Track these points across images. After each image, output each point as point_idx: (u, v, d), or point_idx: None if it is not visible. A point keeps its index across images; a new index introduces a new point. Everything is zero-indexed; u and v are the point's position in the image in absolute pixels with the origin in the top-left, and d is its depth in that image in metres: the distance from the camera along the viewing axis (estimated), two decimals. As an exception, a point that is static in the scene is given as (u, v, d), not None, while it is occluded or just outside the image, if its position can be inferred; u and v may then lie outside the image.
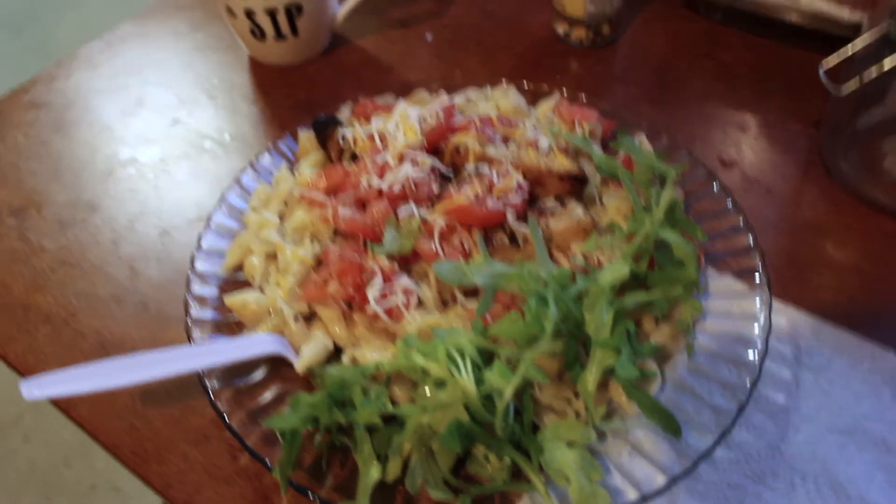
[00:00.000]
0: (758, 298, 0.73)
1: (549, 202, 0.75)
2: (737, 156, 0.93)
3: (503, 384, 0.60)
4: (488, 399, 0.61)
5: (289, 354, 0.71)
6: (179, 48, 1.15)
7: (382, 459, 0.63)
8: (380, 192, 0.76)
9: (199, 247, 0.79)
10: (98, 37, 1.17)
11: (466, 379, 0.60)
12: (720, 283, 0.77)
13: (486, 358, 0.64)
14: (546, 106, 0.91)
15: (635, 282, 0.69)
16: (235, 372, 0.70)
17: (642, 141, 0.88)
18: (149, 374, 0.65)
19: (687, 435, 0.65)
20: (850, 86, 0.82)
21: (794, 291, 0.79)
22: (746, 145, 0.94)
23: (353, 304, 0.70)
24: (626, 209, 0.78)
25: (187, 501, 0.66)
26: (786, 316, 0.77)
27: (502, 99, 0.90)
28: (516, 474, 0.63)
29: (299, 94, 1.04)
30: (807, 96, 0.99)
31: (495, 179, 0.74)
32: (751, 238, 0.78)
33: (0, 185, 0.95)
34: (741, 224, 0.79)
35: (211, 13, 1.20)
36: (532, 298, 0.63)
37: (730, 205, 0.81)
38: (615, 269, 0.64)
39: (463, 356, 0.62)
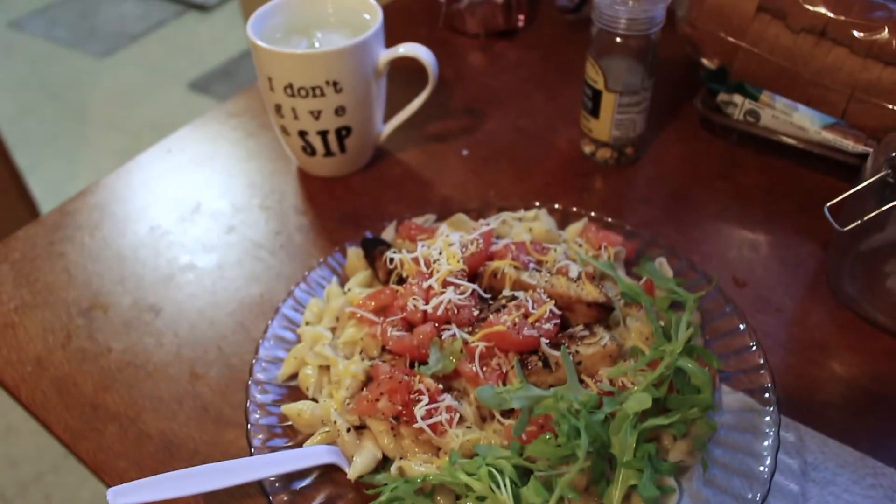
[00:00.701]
0: (768, 416, 0.80)
1: (579, 329, 0.83)
2: (749, 276, 1.01)
3: (538, 500, 0.67)
4: (524, 514, 0.68)
5: (342, 463, 0.78)
6: (233, 155, 1.25)
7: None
8: (424, 315, 0.84)
9: (257, 356, 0.87)
10: (157, 143, 1.27)
11: (506, 496, 0.67)
12: (733, 400, 0.84)
13: (522, 473, 0.71)
14: (574, 229, 0.99)
15: (656, 404, 0.77)
16: (291, 476, 0.77)
17: (662, 264, 0.96)
18: (220, 483, 0.72)
19: (705, 552, 0.71)
20: (852, 221, 0.90)
21: (802, 408, 0.85)
22: (759, 265, 1.02)
23: (401, 418, 0.78)
24: (648, 332, 0.86)
25: None
26: (794, 431, 0.83)
27: (534, 223, 0.99)
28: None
29: (345, 206, 1.13)
30: (816, 217, 1.06)
31: (530, 307, 0.82)
32: (761, 358, 0.85)
33: (69, 286, 1.04)
34: (753, 345, 0.86)
35: (262, 122, 1.31)
36: (564, 424, 0.70)
37: (742, 327, 0.88)
38: (639, 400, 0.71)
39: (502, 474, 0.69)
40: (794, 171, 1.16)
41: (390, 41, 1.12)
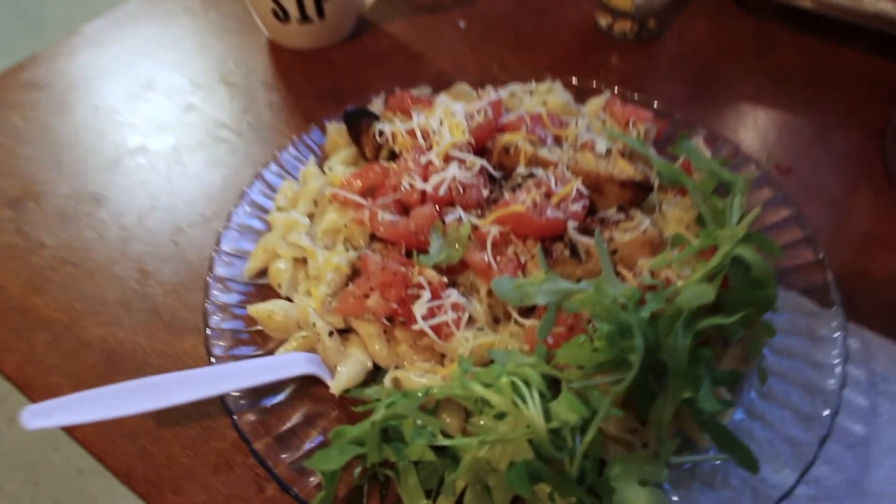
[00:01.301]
0: (832, 319, 0.67)
1: (612, 213, 0.68)
2: (794, 162, 0.87)
3: (574, 417, 0.53)
4: (555, 433, 0.54)
5: (323, 374, 0.64)
6: (193, 28, 1.06)
7: (430, 495, 0.56)
8: (423, 195, 0.69)
9: (218, 248, 0.72)
10: (104, 14, 1.08)
11: (534, 412, 0.53)
12: (788, 300, 0.71)
13: (549, 385, 0.57)
14: (596, 104, 0.84)
15: (709, 308, 0.63)
16: (261, 391, 0.63)
17: (700, 146, 0.81)
18: (168, 400, 0.58)
19: (761, 468, 0.58)
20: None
21: (864, 311, 0.73)
22: (803, 151, 0.88)
23: (396, 319, 0.63)
24: (689, 220, 0.72)
25: (208, 537, 0.59)
26: (859, 338, 0.71)
27: (549, 96, 0.83)
28: (581, 514, 0.56)
29: (324, 81, 0.96)
30: (865, 100, 0.93)
31: (553, 185, 0.67)
32: (818, 252, 0.72)
33: (-4, 173, 0.87)
34: (806, 237, 0.73)
35: (226, -8, 1.12)
36: (604, 322, 0.56)
37: (793, 215, 0.75)
38: (698, 293, 0.57)
39: (528, 385, 0.55)
40: (837, 50, 1.00)
41: None
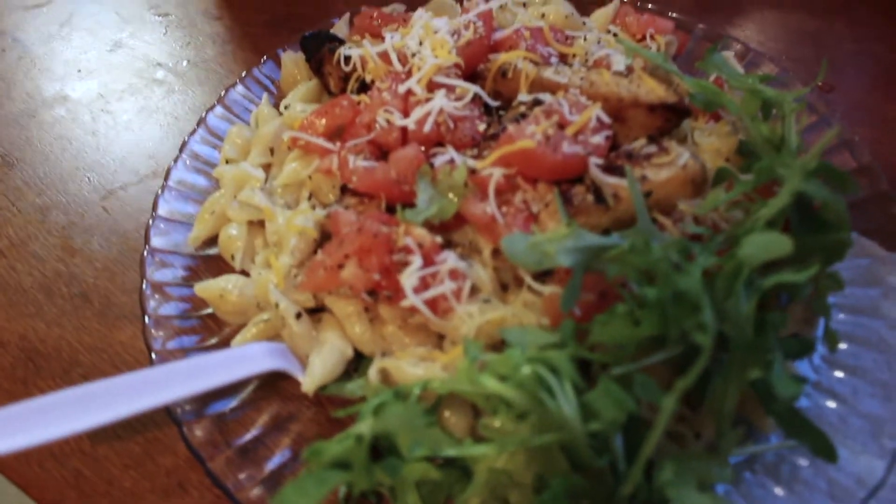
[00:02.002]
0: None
1: (640, 144, 0.55)
2: (836, 79, 0.74)
3: (619, 415, 0.41)
4: (593, 437, 0.42)
5: (292, 370, 0.51)
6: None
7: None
8: (404, 133, 0.55)
9: (155, 214, 0.58)
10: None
11: (568, 410, 0.41)
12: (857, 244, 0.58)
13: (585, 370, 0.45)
14: (604, 15, 0.71)
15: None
16: (214, 392, 0.50)
17: (731, 61, 0.68)
18: (103, 416, 0.45)
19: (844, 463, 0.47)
20: None
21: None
22: (845, 65, 0.76)
23: (379, 293, 0.50)
24: (727, 150, 0.59)
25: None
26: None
27: (547, 7, 0.69)
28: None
29: (276, 6, 0.82)
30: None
31: (567, 113, 0.53)
32: (881, 184, 0.60)
33: None
34: (866, 166, 0.62)
35: None
36: (649, 288, 0.43)
37: (848, 143, 0.63)
38: (770, 243, 0.44)
39: (558, 375, 0.42)
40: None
41: None
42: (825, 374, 0.54)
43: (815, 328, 0.55)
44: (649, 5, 0.71)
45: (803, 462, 0.50)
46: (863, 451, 0.50)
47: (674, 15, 0.71)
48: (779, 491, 0.49)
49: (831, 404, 0.53)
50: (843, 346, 0.55)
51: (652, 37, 0.67)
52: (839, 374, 0.54)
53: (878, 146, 0.68)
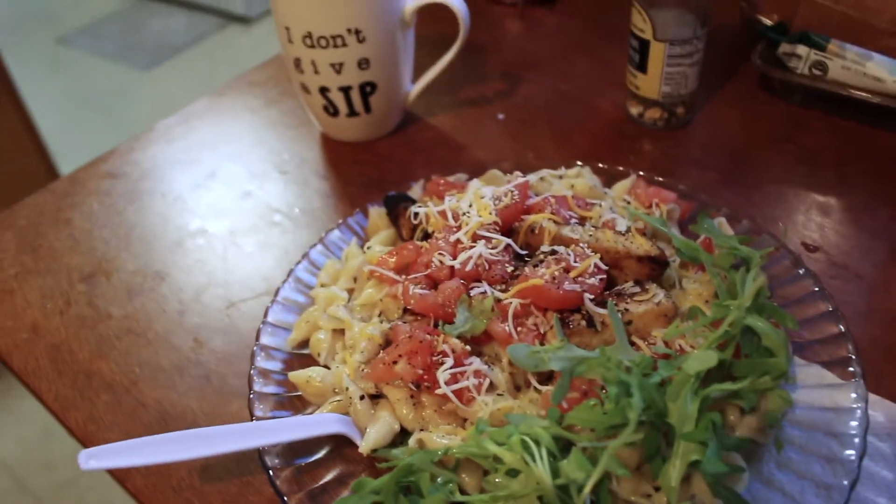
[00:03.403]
0: (853, 391, 0.68)
1: (629, 286, 0.72)
2: (821, 240, 0.89)
3: (581, 475, 0.56)
4: (564, 491, 0.57)
5: (353, 435, 0.68)
6: (253, 123, 1.17)
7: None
8: (451, 271, 0.74)
9: (265, 320, 0.78)
10: (175, 112, 1.20)
11: (542, 469, 0.56)
12: (809, 374, 0.72)
13: (562, 447, 0.60)
14: (622, 187, 0.89)
15: (720, 371, 0.65)
16: (297, 450, 0.67)
17: (722, 224, 0.84)
18: (209, 450, 0.63)
19: (781, 541, 0.59)
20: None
21: (891, 385, 0.73)
22: (831, 230, 0.90)
23: (422, 384, 0.68)
24: (708, 294, 0.74)
25: (241, 588, 0.63)
26: (883, 411, 0.71)
27: (577, 180, 0.88)
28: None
29: (371, 171, 1.04)
30: (893, 180, 0.95)
31: (572, 261, 0.71)
32: (841, 326, 0.73)
33: (73, 252, 0.96)
34: (829, 310, 0.75)
35: (284, 90, 1.23)
36: (612, 386, 0.59)
37: (817, 290, 0.77)
38: (703, 358, 0.60)
39: (538, 445, 0.58)
40: (867, 131, 1.04)
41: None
42: (778, 476, 0.66)
43: (770, 438, 0.68)
44: (660, 178, 0.89)
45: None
46: None
47: (680, 187, 0.88)
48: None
49: (781, 499, 0.64)
50: (797, 454, 0.67)
51: (657, 205, 0.84)
52: (790, 475, 0.66)
53: (849, 297, 0.81)
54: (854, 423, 0.66)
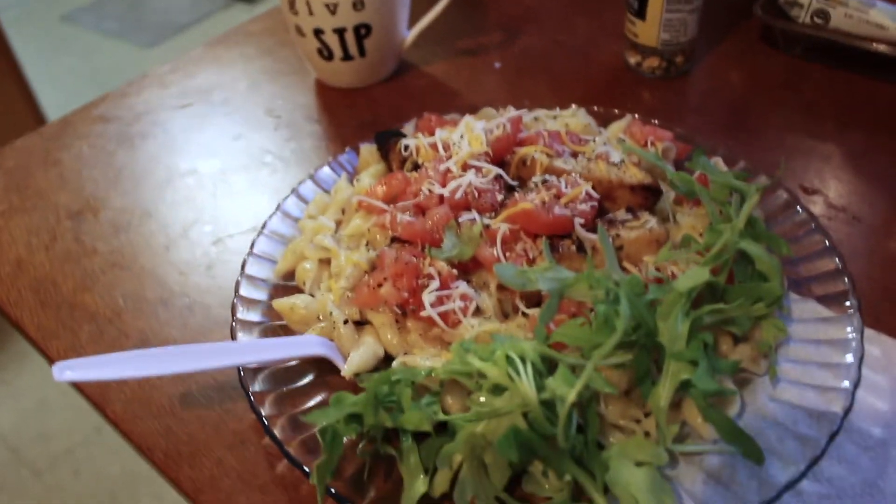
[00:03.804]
0: (848, 323, 0.67)
1: (621, 213, 0.70)
2: (820, 184, 0.87)
3: (566, 390, 0.54)
4: (549, 408, 0.55)
5: (336, 358, 0.66)
6: (247, 71, 1.15)
7: (429, 472, 0.58)
8: (440, 199, 0.72)
9: (251, 251, 0.76)
10: (170, 60, 1.18)
11: (527, 383, 0.55)
12: (804, 309, 0.70)
13: (549, 368, 0.58)
14: (617, 127, 0.87)
15: (713, 297, 0.64)
16: (279, 378, 0.66)
17: (718, 164, 0.83)
18: (187, 366, 0.62)
19: (769, 465, 0.58)
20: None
21: (889, 322, 0.72)
22: (830, 175, 0.89)
23: (407, 309, 0.66)
24: (702, 227, 0.73)
25: (218, 508, 0.61)
26: (880, 346, 0.70)
27: (571, 119, 0.86)
28: (577, 495, 0.57)
29: (364, 114, 1.03)
30: (893, 128, 0.93)
31: (564, 189, 0.70)
32: (837, 261, 0.72)
33: (60, 190, 0.95)
34: (826, 247, 0.73)
35: (280, 41, 1.21)
36: (601, 306, 0.57)
37: (813, 227, 0.75)
38: (694, 275, 0.58)
39: (524, 361, 0.56)
40: (869, 83, 1.02)
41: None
42: (772, 407, 0.64)
43: (762, 368, 0.67)
44: (656, 122, 0.87)
45: (743, 468, 0.60)
46: (792, 465, 0.59)
47: (678, 130, 0.86)
48: (714, 486, 0.59)
49: (773, 428, 0.61)
50: (792, 386, 0.66)
51: (652, 143, 0.83)
52: (784, 406, 0.64)
53: (847, 238, 0.80)
54: (850, 354, 0.65)
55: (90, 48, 4.46)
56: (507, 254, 0.67)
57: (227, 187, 0.93)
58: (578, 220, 0.67)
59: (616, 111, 0.90)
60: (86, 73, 4.20)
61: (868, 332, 0.70)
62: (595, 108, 0.90)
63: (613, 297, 0.56)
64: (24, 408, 2.25)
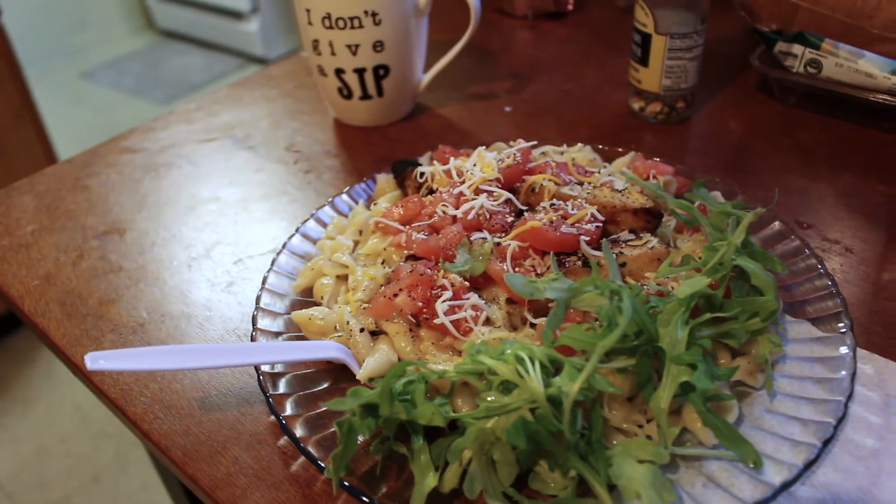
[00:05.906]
0: (841, 342, 0.70)
1: (624, 234, 0.74)
2: (814, 220, 0.91)
3: (570, 385, 0.58)
4: (556, 406, 0.58)
5: (351, 363, 0.70)
6: (269, 110, 1.21)
7: (439, 470, 0.60)
8: (454, 220, 0.77)
9: (272, 267, 0.80)
10: (196, 99, 1.24)
11: (535, 378, 0.58)
12: (799, 330, 0.74)
13: (556, 371, 0.62)
14: (621, 162, 0.92)
15: (711, 311, 0.67)
16: (296, 383, 0.69)
17: (717, 197, 0.87)
18: (212, 361, 0.65)
19: (766, 469, 0.61)
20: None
21: (880, 343, 0.75)
22: (825, 212, 0.93)
23: (421, 318, 0.70)
24: (700, 252, 0.77)
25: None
26: (872, 364, 0.73)
27: (577, 154, 0.91)
28: (581, 493, 0.59)
29: (380, 150, 1.08)
30: (887, 171, 0.98)
31: (570, 211, 0.74)
32: (830, 284, 0.75)
33: (88, 213, 1.00)
34: (819, 272, 0.77)
35: (301, 83, 1.28)
36: (602, 311, 0.61)
37: (807, 252, 0.79)
38: (693, 283, 0.62)
39: (532, 361, 0.60)
40: (860, 130, 1.07)
41: (433, 12, 1.09)
42: (768, 419, 0.67)
43: (759, 381, 0.69)
44: (658, 159, 0.92)
45: (742, 474, 0.62)
46: (789, 470, 0.62)
47: (680, 166, 0.91)
48: (714, 488, 0.62)
49: (769, 438, 0.64)
50: (787, 400, 0.68)
51: (654, 176, 0.87)
52: (779, 417, 0.67)
53: (842, 269, 0.84)
54: (843, 371, 0.68)
55: (107, 104, 4.59)
56: (517, 269, 0.71)
57: (247, 214, 0.97)
58: (584, 239, 0.71)
59: (619, 150, 0.94)
60: (101, 127, 4.31)
61: (861, 351, 0.73)
62: (600, 146, 0.95)
63: (617, 298, 0.59)
64: (22, 455, 2.26)
